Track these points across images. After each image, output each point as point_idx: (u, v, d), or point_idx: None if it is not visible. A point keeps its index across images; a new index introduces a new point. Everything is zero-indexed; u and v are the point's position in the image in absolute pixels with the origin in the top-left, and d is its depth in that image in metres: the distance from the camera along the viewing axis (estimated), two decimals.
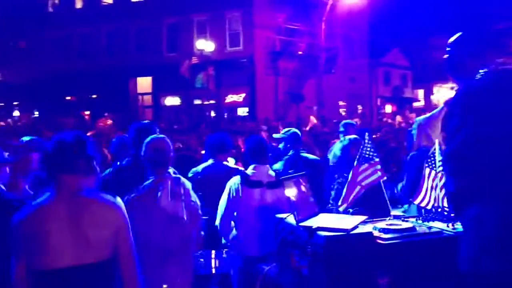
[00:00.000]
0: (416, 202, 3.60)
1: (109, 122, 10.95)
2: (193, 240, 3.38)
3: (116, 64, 27.90)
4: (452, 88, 44.55)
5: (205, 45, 25.75)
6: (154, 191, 3.19)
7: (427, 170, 3.81)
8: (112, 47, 29.27)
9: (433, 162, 3.93)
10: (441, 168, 3.86)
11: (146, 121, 4.35)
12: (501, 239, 2.23)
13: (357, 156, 3.75)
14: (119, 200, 2.48)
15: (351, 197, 3.60)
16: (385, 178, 3.91)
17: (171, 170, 3.36)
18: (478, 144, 2.28)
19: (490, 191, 2.30)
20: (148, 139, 3.42)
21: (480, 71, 2.46)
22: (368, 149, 3.84)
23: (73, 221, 2.29)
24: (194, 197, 3.44)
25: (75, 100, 29.04)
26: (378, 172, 3.76)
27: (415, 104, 39.22)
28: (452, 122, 2.37)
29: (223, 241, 4.20)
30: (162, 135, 3.55)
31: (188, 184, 3.45)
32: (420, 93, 42.82)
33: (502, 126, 2.29)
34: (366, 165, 3.70)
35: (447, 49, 2.71)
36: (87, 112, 24.67)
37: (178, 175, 3.39)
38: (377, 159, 3.82)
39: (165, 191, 3.20)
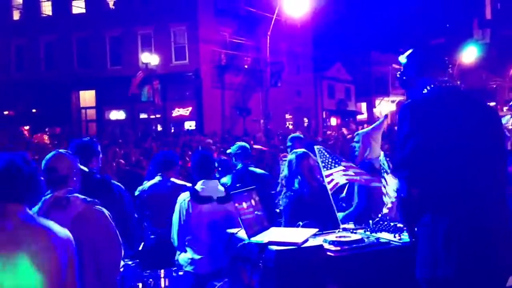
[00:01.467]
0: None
1: (45, 138, 10.50)
2: (87, 266, 2.85)
3: (57, 77, 27.07)
4: (393, 102, 46.13)
5: (150, 58, 25.45)
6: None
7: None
8: (52, 60, 28.38)
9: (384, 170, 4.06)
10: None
11: (86, 138, 4.15)
12: (452, 245, 2.36)
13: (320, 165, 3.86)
14: (67, 232, 2.27)
15: None
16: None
17: (69, 188, 2.96)
18: (426, 152, 2.45)
19: (440, 199, 2.44)
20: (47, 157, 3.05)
21: (427, 87, 2.67)
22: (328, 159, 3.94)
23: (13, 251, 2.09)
24: (95, 219, 2.94)
25: (14, 115, 27.88)
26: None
27: (359, 117, 40.37)
28: (402, 131, 2.54)
29: (177, 257, 4.09)
30: (63, 151, 3.15)
31: (85, 205, 2.93)
32: (363, 106, 44.12)
33: (446, 137, 2.47)
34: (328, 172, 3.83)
35: (400, 66, 2.92)
36: (27, 127, 23.74)
37: (69, 195, 2.93)
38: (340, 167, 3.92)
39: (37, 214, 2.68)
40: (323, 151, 4.05)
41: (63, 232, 2.26)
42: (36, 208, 2.83)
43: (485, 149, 2.51)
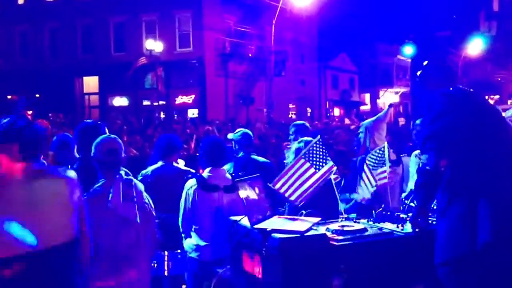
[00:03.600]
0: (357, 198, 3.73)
1: (45, 123, 10.47)
2: (147, 243, 3.25)
3: (60, 63, 27.06)
4: (396, 93, 45.90)
5: (154, 45, 25.37)
6: (105, 194, 3.07)
7: (366, 169, 3.95)
8: (56, 45, 28.37)
9: (372, 161, 4.07)
10: (380, 169, 4.01)
11: (91, 121, 4.15)
12: (492, 215, 2.62)
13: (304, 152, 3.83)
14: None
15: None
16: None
17: (122, 171, 3.22)
18: (454, 129, 2.81)
19: (471, 174, 2.74)
20: (98, 139, 3.25)
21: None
22: (320, 151, 3.91)
23: None
24: (147, 198, 3.35)
25: (17, 99, 27.89)
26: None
27: (362, 108, 40.28)
28: (431, 112, 2.90)
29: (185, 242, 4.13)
30: (113, 135, 3.37)
31: (141, 186, 3.33)
32: (367, 97, 43.99)
33: (471, 121, 2.84)
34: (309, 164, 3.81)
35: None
36: (30, 112, 23.75)
37: (130, 177, 3.26)
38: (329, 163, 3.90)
39: (116, 193, 3.07)
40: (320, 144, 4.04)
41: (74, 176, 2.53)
42: (111, 189, 3.10)
43: (505, 134, 2.90)
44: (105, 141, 3.22)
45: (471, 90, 3.11)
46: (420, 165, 2.88)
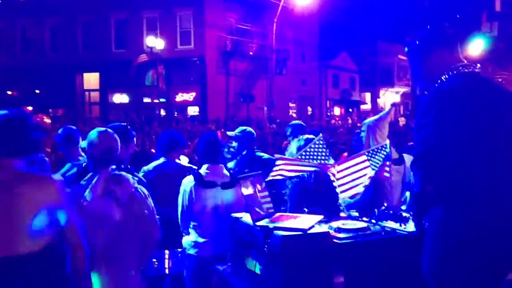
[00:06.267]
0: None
1: (46, 119, 10.39)
2: (134, 244, 3.07)
3: (61, 59, 27.03)
4: (397, 92, 45.90)
5: (155, 42, 25.36)
6: (84, 189, 2.98)
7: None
8: (57, 41, 28.36)
9: (372, 155, 4.04)
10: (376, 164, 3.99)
11: (118, 124, 4.13)
12: (464, 243, 2.30)
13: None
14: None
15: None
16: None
17: (113, 166, 3.11)
18: (446, 150, 2.33)
19: (454, 198, 2.35)
20: (93, 133, 3.17)
21: (445, 74, 2.54)
22: (320, 150, 3.89)
23: None
24: (142, 198, 3.15)
25: (17, 95, 27.90)
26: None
27: (363, 107, 40.29)
28: (424, 124, 2.40)
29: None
30: (104, 128, 3.27)
31: (133, 182, 3.15)
32: (367, 96, 43.96)
33: (470, 133, 2.35)
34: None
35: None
36: (30, 108, 23.74)
37: (120, 173, 3.11)
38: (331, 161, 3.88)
39: (95, 189, 2.95)
40: (322, 142, 4.02)
41: (59, 178, 2.46)
42: (94, 181, 2.99)
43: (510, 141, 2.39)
44: (99, 135, 3.13)
45: (475, 71, 2.54)
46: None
